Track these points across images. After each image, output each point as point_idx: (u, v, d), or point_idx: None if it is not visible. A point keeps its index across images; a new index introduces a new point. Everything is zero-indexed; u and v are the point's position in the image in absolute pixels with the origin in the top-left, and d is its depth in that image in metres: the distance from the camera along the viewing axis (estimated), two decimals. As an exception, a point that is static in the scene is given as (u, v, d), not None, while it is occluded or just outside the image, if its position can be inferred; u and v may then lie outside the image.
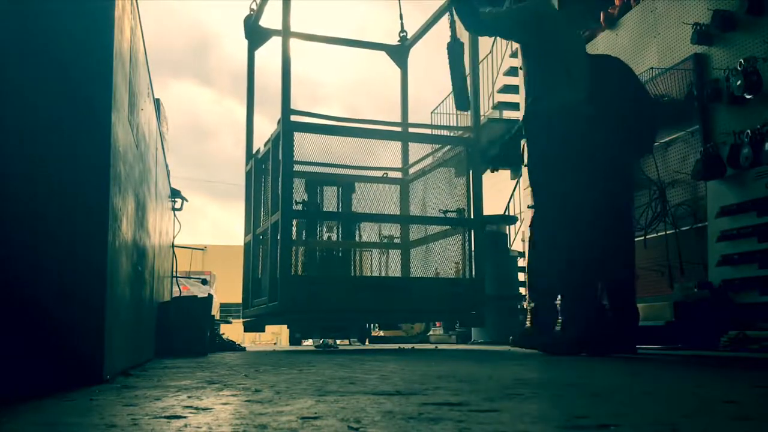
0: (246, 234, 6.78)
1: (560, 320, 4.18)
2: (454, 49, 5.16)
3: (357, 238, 6.88)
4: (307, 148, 5.91)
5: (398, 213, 6.94)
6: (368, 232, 6.91)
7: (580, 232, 3.86)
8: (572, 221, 3.89)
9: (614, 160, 4.12)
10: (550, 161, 3.97)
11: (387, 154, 6.78)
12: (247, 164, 6.92)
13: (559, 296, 4.13)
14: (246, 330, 6.51)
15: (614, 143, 4.04)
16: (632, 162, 4.54)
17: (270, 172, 5.86)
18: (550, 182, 3.97)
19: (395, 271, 6.98)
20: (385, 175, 6.95)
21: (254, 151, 6.75)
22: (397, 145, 7.08)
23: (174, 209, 5.68)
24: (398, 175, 7.10)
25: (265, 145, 6.14)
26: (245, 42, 7.19)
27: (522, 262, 9.59)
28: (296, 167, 5.95)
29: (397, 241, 7.00)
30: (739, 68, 4.64)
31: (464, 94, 5.26)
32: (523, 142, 8.16)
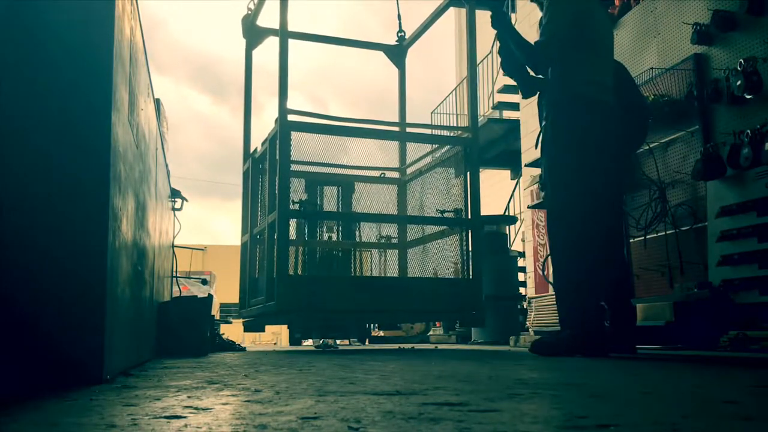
0: (243, 234, 6.78)
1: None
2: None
3: (356, 238, 6.88)
4: (306, 147, 5.91)
5: (396, 213, 6.94)
6: (367, 232, 6.91)
7: (588, 227, 3.83)
8: (585, 216, 3.85)
9: (618, 154, 4.12)
10: (587, 151, 3.85)
11: (385, 154, 6.79)
12: (244, 164, 6.92)
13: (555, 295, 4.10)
14: (246, 330, 6.50)
15: (618, 137, 4.04)
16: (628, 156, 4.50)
17: (267, 172, 5.85)
18: (582, 174, 3.85)
19: (394, 271, 6.98)
20: (382, 175, 6.95)
21: (251, 151, 6.75)
22: (395, 145, 7.08)
23: (174, 209, 5.68)
24: (396, 175, 7.11)
25: (262, 145, 6.13)
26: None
27: (522, 262, 9.60)
28: (295, 167, 5.95)
29: (395, 241, 7.00)
30: (739, 68, 4.64)
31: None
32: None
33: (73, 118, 1.91)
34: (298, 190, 6.24)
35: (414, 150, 6.83)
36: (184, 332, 4.63)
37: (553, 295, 5.28)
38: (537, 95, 4.31)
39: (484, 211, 5.95)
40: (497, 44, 4.13)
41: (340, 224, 6.91)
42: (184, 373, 2.54)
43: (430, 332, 11.37)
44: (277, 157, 5.34)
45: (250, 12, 7.05)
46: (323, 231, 6.81)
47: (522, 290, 9.32)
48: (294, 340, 10.36)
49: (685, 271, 5.13)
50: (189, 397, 1.58)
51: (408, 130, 6.80)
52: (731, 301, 4.46)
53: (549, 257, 5.39)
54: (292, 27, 5.56)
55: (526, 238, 9.26)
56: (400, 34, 7.71)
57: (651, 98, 5.41)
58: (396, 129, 6.70)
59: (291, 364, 3.14)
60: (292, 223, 5.79)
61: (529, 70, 4.14)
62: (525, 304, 8.62)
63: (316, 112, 7.49)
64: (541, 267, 7.73)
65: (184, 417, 1.21)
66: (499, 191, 14.04)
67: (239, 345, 6.70)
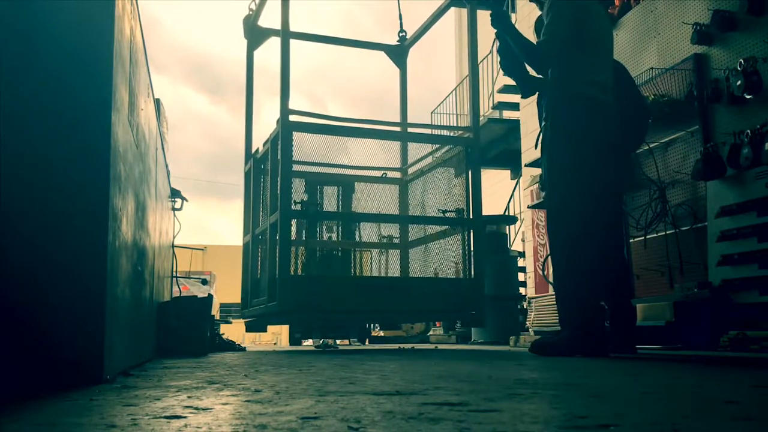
0: (245, 234, 6.78)
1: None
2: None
3: (357, 238, 6.88)
4: (308, 147, 5.91)
5: (398, 213, 6.95)
6: (368, 232, 6.91)
7: (587, 227, 3.83)
8: (584, 214, 3.84)
9: (619, 153, 4.14)
10: (587, 151, 3.87)
11: (386, 154, 6.79)
12: (246, 164, 6.92)
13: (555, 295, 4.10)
14: (248, 330, 6.51)
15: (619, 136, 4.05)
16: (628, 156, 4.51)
17: (269, 173, 5.86)
18: (582, 174, 3.87)
19: (395, 271, 6.98)
20: (384, 175, 6.96)
21: (253, 151, 6.75)
22: (396, 145, 7.08)
23: (174, 209, 5.69)
24: (397, 175, 7.11)
25: (264, 145, 6.14)
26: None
27: (522, 262, 9.60)
28: (296, 167, 5.95)
29: (396, 241, 7.00)
30: (739, 68, 4.64)
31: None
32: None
33: (72, 118, 1.91)
34: (298, 191, 6.25)
35: (415, 150, 6.84)
36: (184, 332, 4.63)
37: (553, 295, 5.28)
38: (537, 95, 4.31)
39: (484, 211, 5.96)
40: (497, 43, 4.14)
41: (340, 224, 6.92)
42: (184, 373, 2.54)
43: (430, 332, 11.37)
44: (279, 158, 5.34)
45: (251, 12, 7.05)
46: (323, 231, 6.81)
47: (522, 290, 9.32)
48: (294, 340, 10.36)
49: (685, 271, 5.13)
50: (189, 397, 1.58)
51: (409, 130, 6.80)
52: (731, 301, 4.46)
53: (549, 257, 5.39)
54: (291, 27, 5.56)
55: (526, 238, 9.26)
56: (401, 34, 7.71)
57: (651, 98, 5.41)
58: (397, 129, 6.70)
59: (291, 364, 3.14)
60: (293, 223, 5.79)
61: (529, 69, 4.15)
62: (525, 304, 8.62)
63: (316, 112, 7.46)
64: (541, 267, 7.73)
65: (184, 417, 1.21)
66: (499, 191, 14.05)
67: (239, 345, 6.71)
